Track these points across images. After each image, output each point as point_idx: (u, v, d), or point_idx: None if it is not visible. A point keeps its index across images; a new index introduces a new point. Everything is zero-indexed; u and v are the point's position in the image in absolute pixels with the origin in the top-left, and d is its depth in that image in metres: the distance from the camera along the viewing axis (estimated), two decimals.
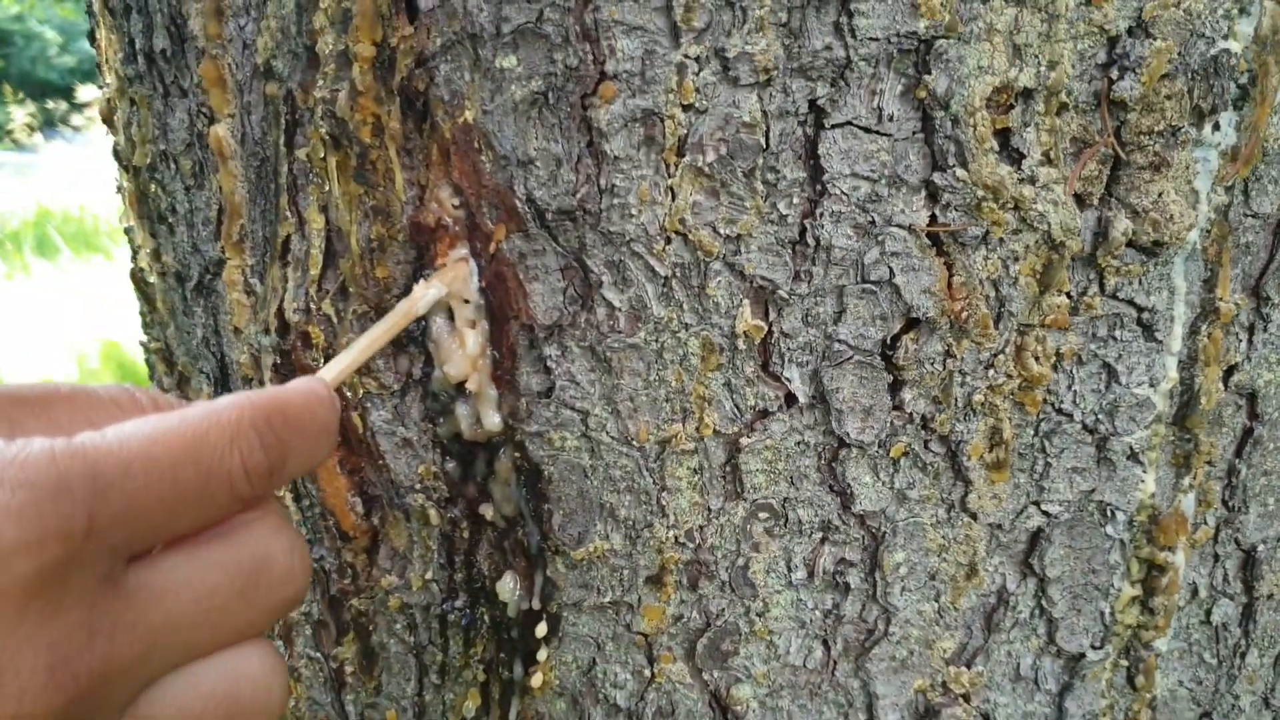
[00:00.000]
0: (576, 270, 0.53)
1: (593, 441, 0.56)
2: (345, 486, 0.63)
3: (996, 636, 0.61)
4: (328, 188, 0.57)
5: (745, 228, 0.52)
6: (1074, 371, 0.56)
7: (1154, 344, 0.56)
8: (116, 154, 0.75)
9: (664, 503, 0.57)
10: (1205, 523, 0.61)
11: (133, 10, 0.64)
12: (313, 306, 0.60)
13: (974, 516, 0.58)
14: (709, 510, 0.57)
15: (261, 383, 0.65)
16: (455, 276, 0.56)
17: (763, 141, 0.50)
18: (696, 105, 0.50)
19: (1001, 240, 0.52)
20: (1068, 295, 0.54)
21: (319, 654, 0.69)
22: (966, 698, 0.61)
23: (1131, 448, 0.58)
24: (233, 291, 0.64)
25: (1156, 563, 0.61)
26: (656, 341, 0.54)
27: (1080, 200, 0.53)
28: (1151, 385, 0.57)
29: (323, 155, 0.56)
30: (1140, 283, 0.55)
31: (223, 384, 0.70)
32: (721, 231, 0.52)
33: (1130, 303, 0.55)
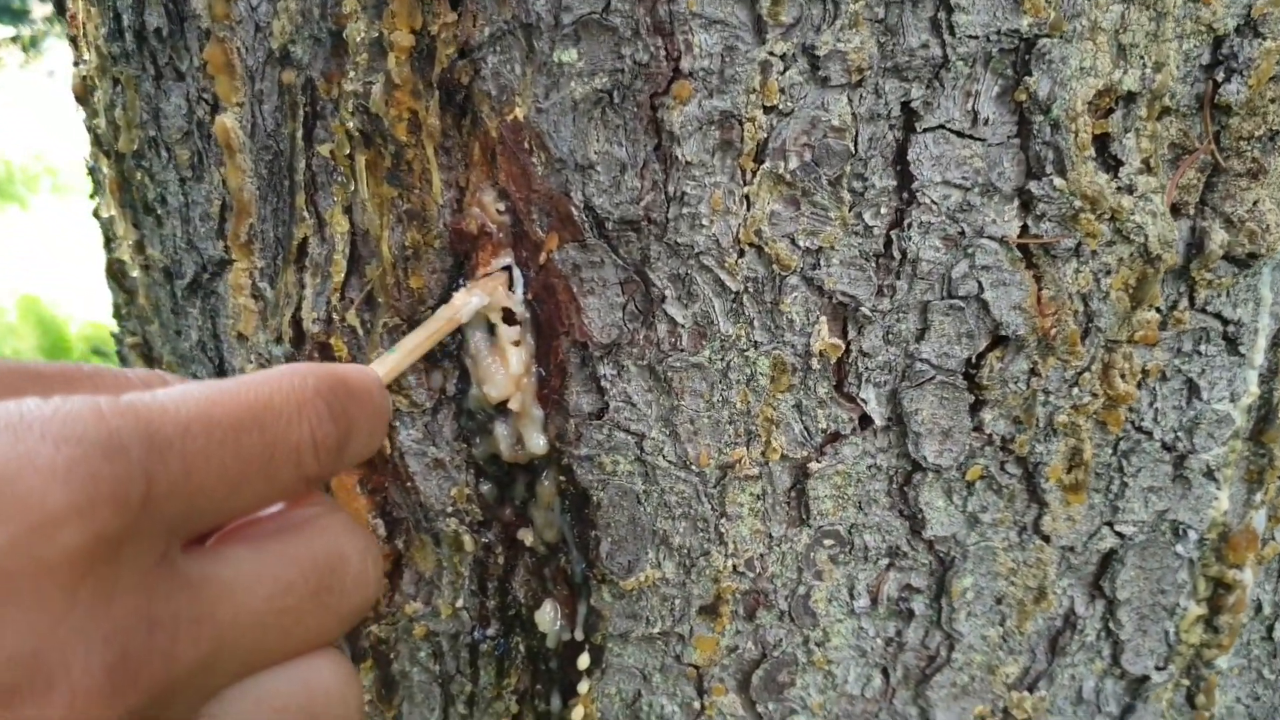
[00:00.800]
0: (638, 284, 0.49)
1: (648, 466, 0.52)
2: (365, 507, 0.58)
3: (1060, 660, 0.58)
4: (353, 188, 0.52)
5: (828, 240, 0.48)
6: (1156, 388, 0.53)
7: (1237, 358, 0.53)
8: (96, 137, 0.68)
9: (723, 530, 0.53)
10: (1274, 538, 0.59)
11: None
12: (335, 316, 0.54)
13: (1046, 539, 0.55)
14: (770, 538, 0.53)
15: None
16: (496, 285, 0.51)
17: (851, 147, 0.46)
18: (780, 107, 0.46)
19: (1094, 253, 0.49)
20: (1157, 310, 0.51)
21: None
22: None
23: (1208, 465, 0.55)
24: (238, 296, 0.58)
25: (1225, 581, 0.58)
26: (722, 360, 0.50)
27: (1174, 209, 0.50)
28: (1232, 400, 0.54)
29: (349, 153, 0.51)
30: (1228, 295, 0.52)
31: None
32: (801, 244, 0.48)
33: (1217, 316, 0.52)
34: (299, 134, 0.53)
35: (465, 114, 0.49)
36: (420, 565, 0.59)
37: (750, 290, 0.49)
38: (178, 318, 0.67)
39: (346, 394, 0.35)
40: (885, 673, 0.57)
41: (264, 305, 0.58)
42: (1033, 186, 0.48)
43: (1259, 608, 0.60)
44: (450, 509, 0.56)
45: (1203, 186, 0.50)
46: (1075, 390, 0.52)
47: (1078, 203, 0.48)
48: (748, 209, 0.47)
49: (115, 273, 0.75)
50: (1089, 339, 0.51)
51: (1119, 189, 0.48)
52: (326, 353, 0.55)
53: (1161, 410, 0.53)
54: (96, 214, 0.78)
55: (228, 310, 0.60)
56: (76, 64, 0.69)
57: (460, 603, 0.58)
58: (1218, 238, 0.50)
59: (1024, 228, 0.48)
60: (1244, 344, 0.53)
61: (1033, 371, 0.51)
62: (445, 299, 0.52)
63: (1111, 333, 0.51)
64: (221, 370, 0.64)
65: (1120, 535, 0.56)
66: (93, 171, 0.75)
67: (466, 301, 0.50)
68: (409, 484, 0.56)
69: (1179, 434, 0.54)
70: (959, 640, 0.56)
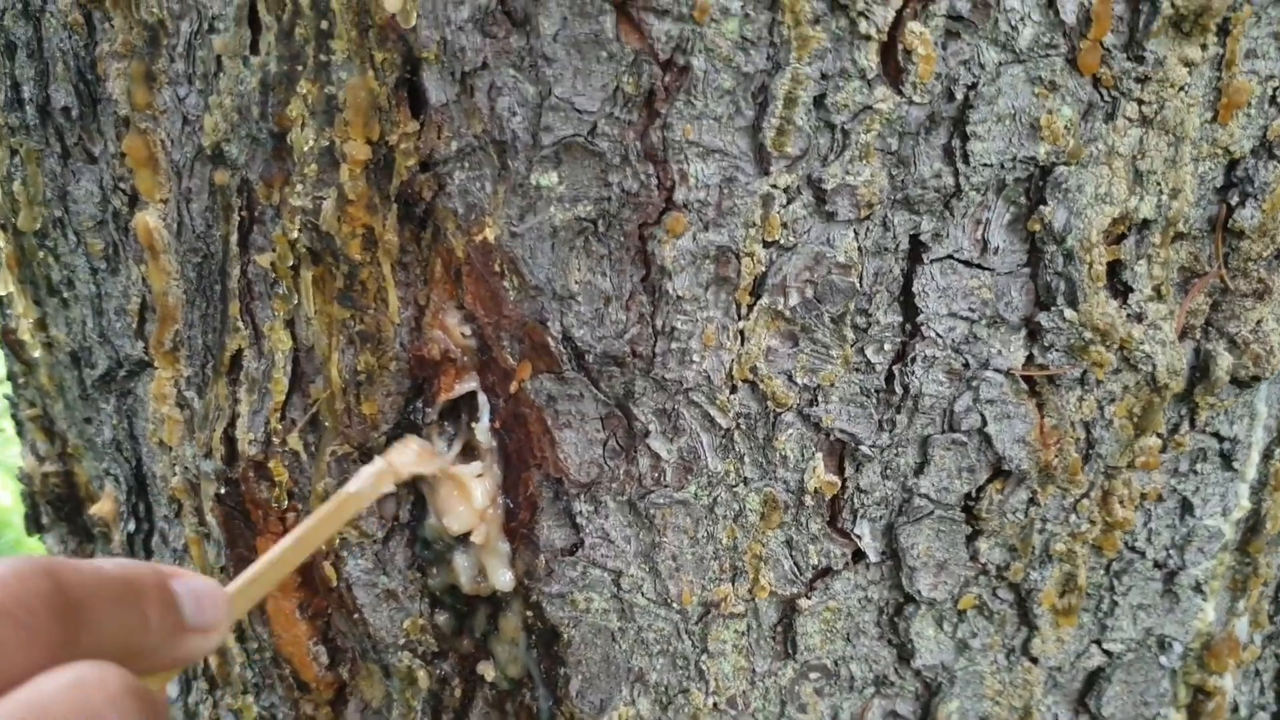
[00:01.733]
0: (620, 419, 0.45)
1: (624, 603, 0.48)
2: (306, 633, 0.53)
3: None
4: (296, 301, 0.47)
5: (828, 378, 0.44)
6: (1152, 509, 0.51)
7: (1230, 473, 0.52)
8: None
9: (704, 667, 0.50)
10: (1253, 642, 0.57)
11: (19, 49, 0.52)
12: (274, 439, 0.49)
13: (1035, 661, 0.53)
14: (754, 673, 0.50)
15: (199, 511, 0.54)
16: (406, 446, 0.46)
17: (856, 283, 0.43)
18: (782, 242, 0.42)
19: (1100, 381, 0.46)
20: (1159, 435, 0.49)
21: None
22: None
23: (1197, 580, 0.53)
24: (161, 405, 0.53)
25: (1205, 688, 0.57)
26: (709, 496, 0.46)
27: (1181, 333, 0.47)
28: (1224, 515, 0.52)
29: (293, 264, 0.46)
30: (1226, 413, 0.50)
31: (139, 494, 0.59)
32: (799, 381, 0.44)
33: (1215, 434, 0.50)
34: (233, 238, 0.47)
35: (425, 228, 0.44)
36: (367, 694, 0.54)
37: (742, 427, 0.45)
38: (86, 404, 0.61)
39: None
40: None
41: (190, 415, 0.53)
42: (1042, 318, 0.45)
43: (1235, 708, 0.59)
44: (402, 641, 0.51)
45: (1209, 308, 0.48)
46: (1073, 517, 0.49)
47: (1088, 334, 0.45)
48: (742, 344, 0.43)
49: (11, 343, 0.68)
50: (1089, 466, 0.48)
51: (1129, 317, 0.45)
52: (263, 473, 0.50)
53: (1155, 530, 0.51)
54: None
55: (148, 414, 0.55)
56: None
57: None
58: (1223, 362, 0.47)
59: (1029, 358, 0.46)
60: (1238, 459, 0.51)
61: (1032, 501, 0.48)
62: (400, 423, 0.47)
63: (1113, 460, 0.48)
64: (139, 473, 0.58)
65: (1108, 653, 0.54)
66: None
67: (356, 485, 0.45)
68: (356, 615, 0.51)
69: (1170, 551, 0.52)
70: None
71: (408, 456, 0.46)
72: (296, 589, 0.53)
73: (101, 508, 0.63)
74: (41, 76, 0.51)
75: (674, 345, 0.43)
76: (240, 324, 0.49)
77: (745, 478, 0.46)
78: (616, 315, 0.43)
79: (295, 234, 0.45)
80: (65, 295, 0.58)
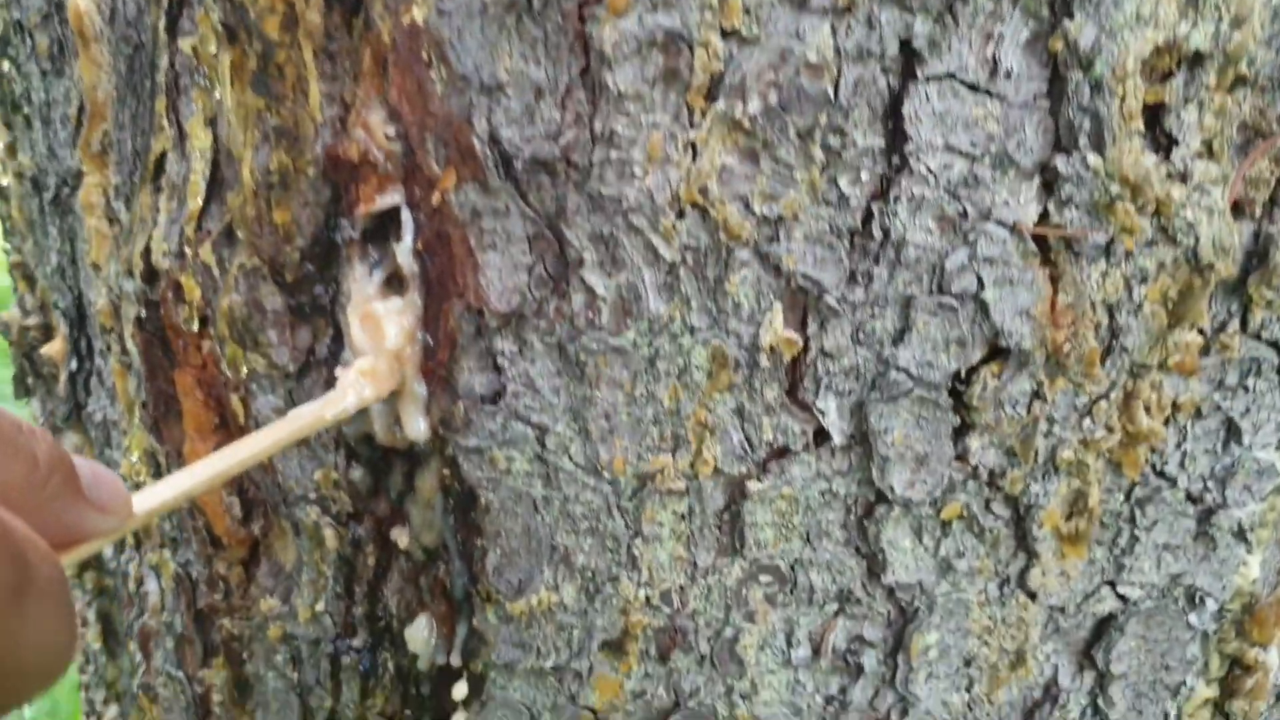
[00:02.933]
0: (550, 242, 0.39)
1: (549, 466, 0.42)
2: None
3: None
4: (218, 94, 0.42)
5: (791, 208, 0.37)
6: (1187, 427, 0.43)
7: None
8: None
9: (637, 553, 0.43)
10: None
11: None
12: (188, 250, 0.44)
13: (1033, 596, 0.45)
14: (694, 567, 0.44)
15: (121, 339, 0.49)
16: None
17: (830, 91, 0.36)
18: (743, 32, 0.35)
19: (1129, 254, 0.39)
20: (1200, 331, 0.41)
21: (181, 673, 0.55)
22: None
23: (1240, 523, 0.45)
24: (90, 216, 0.48)
25: (1244, 661, 0.48)
26: (649, 346, 0.40)
27: (1236, 207, 0.39)
28: (1279, 448, 0.44)
29: (214, 50, 0.41)
30: None
31: (79, 328, 0.55)
32: (757, 210, 0.37)
33: (1273, 344, 0.42)
34: (162, 24, 0.43)
35: (357, 12, 0.39)
36: (279, 555, 0.49)
37: (689, 262, 0.39)
38: (45, 237, 0.57)
39: None
40: None
41: (118, 230, 0.48)
42: (1059, 163, 0.37)
43: (1279, 695, 0.51)
44: (313, 495, 0.46)
45: (1275, 182, 0.40)
46: (1087, 422, 0.41)
47: (1115, 188, 0.37)
48: (693, 159, 0.37)
49: None
50: (1111, 360, 0.40)
51: (1169, 175, 0.38)
52: (179, 293, 0.45)
53: (1190, 454, 0.43)
54: None
55: (84, 233, 0.50)
56: None
57: (322, 605, 0.48)
58: None
59: (1043, 214, 0.38)
60: None
61: (1036, 394, 0.41)
62: (318, 239, 0.42)
63: (1140, 355, 0.40)
64: (80, 304, 0.54)
65: (1123, 598, 0.46)
66: None
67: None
68: (266, 460, 0.46)
69: (1208, 483, 0.44)
70: (915, 705, 0.47)
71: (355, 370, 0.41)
72: (213, 431, 0.48)
73: (52, 347, 0.59)
74: None
75: (613, 154, 0.37)
76: (166, 123, 0.44)
77: (691, 326, 0.39)
78: (549, 113, 0.37)
79: (213, 10, 0.40)
80: (26, 111, 0.54)
